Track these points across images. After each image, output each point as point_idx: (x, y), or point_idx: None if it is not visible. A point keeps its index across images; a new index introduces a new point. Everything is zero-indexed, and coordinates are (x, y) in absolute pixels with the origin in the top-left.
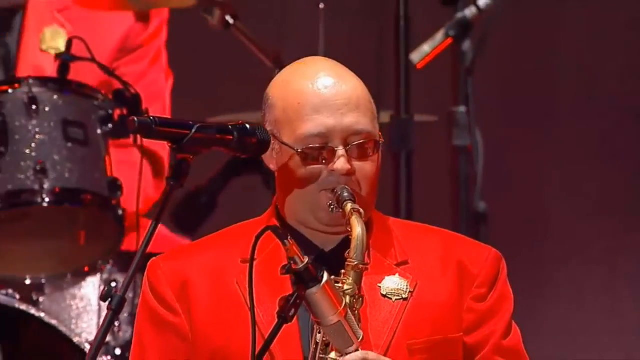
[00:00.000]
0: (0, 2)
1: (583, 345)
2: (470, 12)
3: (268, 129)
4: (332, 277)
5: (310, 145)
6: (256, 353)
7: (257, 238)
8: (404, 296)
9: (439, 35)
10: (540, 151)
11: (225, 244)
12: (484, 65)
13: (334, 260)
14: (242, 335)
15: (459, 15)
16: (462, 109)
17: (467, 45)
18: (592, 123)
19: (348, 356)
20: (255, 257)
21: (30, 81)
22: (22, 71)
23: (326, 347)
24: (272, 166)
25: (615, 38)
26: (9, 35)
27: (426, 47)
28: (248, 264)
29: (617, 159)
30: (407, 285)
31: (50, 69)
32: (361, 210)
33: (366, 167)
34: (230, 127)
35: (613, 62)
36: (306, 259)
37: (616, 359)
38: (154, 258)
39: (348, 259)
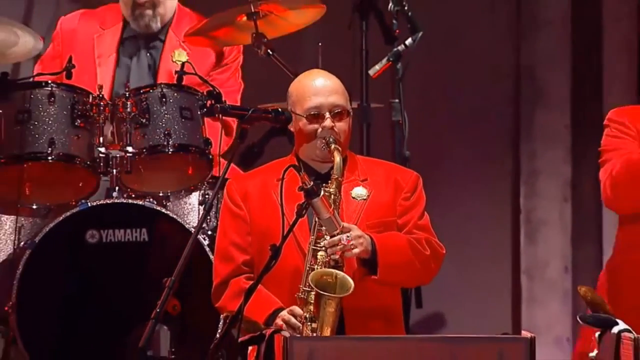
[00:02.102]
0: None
1: (457, 226)
2: (401, 47)
3: (289, 108)
4: (324, 184)
5: (311, 113)
6: (285, 233)
7: (284, 171)
8: (364, 198)
9: (384, 60)
10: (442, 122)
11: (267, 172)
12: (408, 76)
13: (326, 177)
14: (275, 222)
15: (395, 49)
16: (396, 100)
17: (399, 65)
18: (471, 102)
19: (345, 225)
20: (284, 179)
21: (162, 85)
22: (162, 74)
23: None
24: (292, 128)
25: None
26: (155, 50)
27: (377, 66)
28: (280, 183)
29: (491, 117)
30: (366, 192)
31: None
32: (339, 147)
33: (342, 125)
34: (270, 110)
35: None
36: (312, 183)
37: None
38: (230, 180)
39: (332, 174)
